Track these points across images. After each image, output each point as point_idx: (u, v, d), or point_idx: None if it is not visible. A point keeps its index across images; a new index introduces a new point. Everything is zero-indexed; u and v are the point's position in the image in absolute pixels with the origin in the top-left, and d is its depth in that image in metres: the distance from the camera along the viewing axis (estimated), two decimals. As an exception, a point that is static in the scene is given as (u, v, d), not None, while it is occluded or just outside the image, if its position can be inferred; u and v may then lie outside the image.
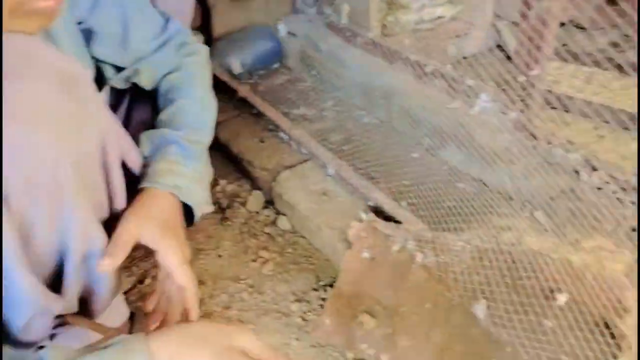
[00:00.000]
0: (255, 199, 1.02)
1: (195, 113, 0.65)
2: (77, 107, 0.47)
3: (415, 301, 0.70)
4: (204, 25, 1.24)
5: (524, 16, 0.80)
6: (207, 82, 0.70)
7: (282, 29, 1.22)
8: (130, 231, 0.53)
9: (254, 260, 0.92)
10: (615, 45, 1.11)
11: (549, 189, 0.83)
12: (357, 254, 0.78)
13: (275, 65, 1.37)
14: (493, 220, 0.83)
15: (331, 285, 0.82)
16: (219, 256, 0.94)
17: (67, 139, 0.46)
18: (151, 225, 0.54)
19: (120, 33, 0.63)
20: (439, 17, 1.24)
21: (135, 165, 0.59)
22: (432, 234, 0.75)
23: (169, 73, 0.67)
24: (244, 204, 1.03)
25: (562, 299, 0.61)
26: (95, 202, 0.52)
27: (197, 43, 0.72)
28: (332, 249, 0.86)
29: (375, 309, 0.72)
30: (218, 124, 0.91)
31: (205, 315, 0.81)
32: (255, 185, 1.05)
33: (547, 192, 0.83)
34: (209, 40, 1.27)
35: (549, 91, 1.04)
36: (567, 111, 1.03)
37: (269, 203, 1.02)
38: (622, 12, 0.78)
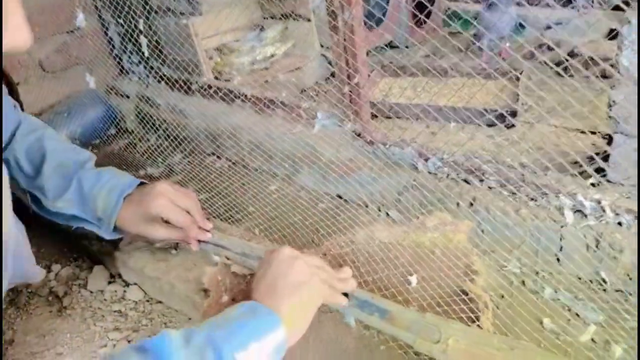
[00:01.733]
0: (97, 276, 0.87)
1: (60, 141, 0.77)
2: None
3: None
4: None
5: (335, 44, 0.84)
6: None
7: (90, 81, 1.14)
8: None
9: (104, 346, 0.76)
10: (427, 56, 1.23)
11: (395, 186, 0.84)
12: (217, 300, 0.69)
13: (112, 132, 1.26)
14: (356, 230, 0.81)
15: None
16: (59, 354, 0.77)
17: None
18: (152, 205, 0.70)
19: None
20: (272, 56, 1.27)
21: None
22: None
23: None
24: (84, 285, 0.87)
25: (413, 281, 0.59)
26: None
27: None
28: (191, 304, 0.75)
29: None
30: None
31: None
32: (95, 260, 0.91)
33: (395, 190, 0.84)
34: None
35: (378, 103, 1.10)
36: (399, 117, 1.10)
37: (114, 277, 0.88)
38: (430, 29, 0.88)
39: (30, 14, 0.40)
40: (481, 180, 0.77)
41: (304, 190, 0.99)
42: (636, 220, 0.64)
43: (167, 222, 0.73)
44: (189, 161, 1.15)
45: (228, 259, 0.74)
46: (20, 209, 0.74)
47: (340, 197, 0.95)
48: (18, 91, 1.10)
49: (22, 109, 1.14)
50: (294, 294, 0.53)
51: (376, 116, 1.10)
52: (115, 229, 0.74)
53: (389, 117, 1.10)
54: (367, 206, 0.88)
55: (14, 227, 0.65)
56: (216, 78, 1.20)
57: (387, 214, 0.86)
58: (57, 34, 1.20)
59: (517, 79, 1.13)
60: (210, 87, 1.13)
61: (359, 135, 0.90)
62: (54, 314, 0.83)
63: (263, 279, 0.55)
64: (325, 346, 0.61)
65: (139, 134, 1.23)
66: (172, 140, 1.18)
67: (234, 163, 1.11)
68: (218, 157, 1.14)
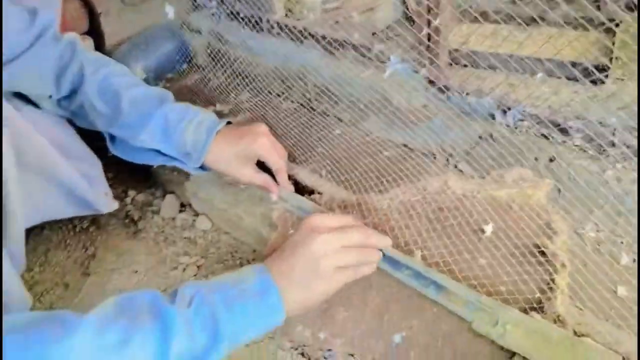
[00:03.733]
0: (169, 204, 0.93)
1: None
2: None
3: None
4: (93, 31, 1.15)
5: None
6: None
7: (170, 12, 1.14)
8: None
9: (175, 268, 0.82)
10: (513, 2, 1.13)
11: (468, 138, 0.81)
12: (284, 234, 0.71)
13: (184, 67, 1.29)
14: (426, 178, 0.79)
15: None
16: (135, 272, 0.84)
17: None
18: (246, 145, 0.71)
19: None
20: (344, -5, 1.22)
21: None
22: (356, 197, 0.70)
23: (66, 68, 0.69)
24: (157, 212, 0.93)
25: (488, 229, 0.58)
26: None
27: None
28: (257, 237, 0.78)
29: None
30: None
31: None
32: (167, 189, 0.96)
33: (467, 142, 0.81)
34: (100, 48, 1.16)
35: (456, 50, 1.04)
36: (476, 67, 1.03)
37: (185, 206, 0.93)
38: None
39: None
40: (564, 137, 0.72)
41: (369, 136, 0.97)
42: None
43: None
44: (256, 101, 1.16)
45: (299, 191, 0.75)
46: (99, 147, 0.78)
47: (405, 145, 0.93)
48: (100, 21, 1.14)
49: (103, 40, 1.19)
50: (307, 290, 0.52)
51: (452, 64, 1.04)
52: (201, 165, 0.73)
53: (465, 66, 1.04)
54: (434, 157, 0.86)
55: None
56: (287, 16, 1.18)
57: (456, 166, 0.83)
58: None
59: (612, 31, 1.02)
60: (280, 25, 1.11)
61: (433, 82, 0.86)
62: (130, 236, 0.90)
63: (287, 255, 0.54)
64: (386, 292, 0.61)
65: (209, 70, 1.24)
66: (241, 78, 1.19)
67: (300, 105, 1.11)
68: (285, 98, 1.14)
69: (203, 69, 1.26)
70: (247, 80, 1.18)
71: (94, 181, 0.73)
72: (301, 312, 0.53)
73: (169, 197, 0.94)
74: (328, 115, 1.05)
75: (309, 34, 1.06)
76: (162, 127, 0.71)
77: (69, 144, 0.72)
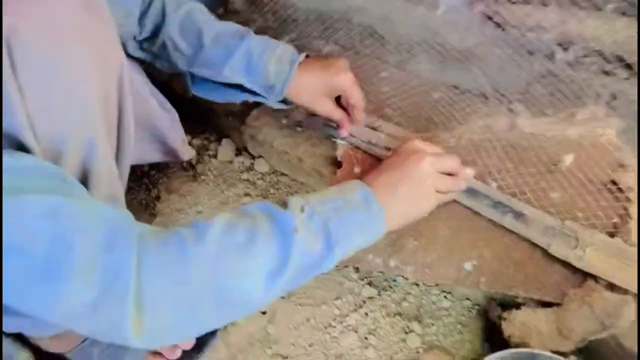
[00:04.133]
0: (226, 148, 0.95)
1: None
2: (101, 29, 0.48)
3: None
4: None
5: None
6: None
7: None
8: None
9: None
10: None
11: (525, 76, 0.80)
12: (349, 171, 0.73)
13: (220, 11, 1.27)
14: (475, 120, 0.80)
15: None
16: (200, 212, 0.88)
17: (95, 59, 0.47)
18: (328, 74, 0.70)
19: None
20: None
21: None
22: (421, 135, 0.71)
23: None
24: (214, 155, 0.96)
25: (568, 159, 0.60)
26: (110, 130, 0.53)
27: None
28: (318, 178, 0.81)
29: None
30: (171, 76, 0.83)
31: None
32: (223, 134, 0.98)
33: (524, 80, 0.81)
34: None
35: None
36: (528, 3, 1.00)
37: (240, 150, 0.96)
38: None
39: None
40: (628, 73, 0.71)
41: (418, 78, 0.97)
42: None
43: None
44: (296, 44, 1.14)
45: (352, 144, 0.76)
46: (170, 96, 0.78)
47: (456, 87, 0.92)
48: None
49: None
50: (409, 207, 0.55)
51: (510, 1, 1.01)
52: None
53: (525, 2, 1.01)
54: (487, 98, 0.86)
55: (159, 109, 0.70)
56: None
57: (510, 108, 0.84)
58: None
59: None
60: (322, -37, 1.08)
61: (490, 18, 0.84)
62: (190, 179, 0.94)
63: (389, 172, 0.56)
64: (457, 222, 0.65)
65: (246, 13, 1.22)
66: (280, 22, 1.17)
67: (342, 47, 1.10)
68: (326, 41, 1.12)
69: (240, 13, 1.24)
70: (285, 23, 1.16)
71: (174, 128, 0.75)
72: (398, 227, 0.55)
73: (224, 141, 0.96)
74: (373, 58, 1.04)
75: (354, -29, 1.02)
76: (245, 60, 0.70)
77: (153, 91, 0.73)
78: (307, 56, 0.73)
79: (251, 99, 0.74)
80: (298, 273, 0.47)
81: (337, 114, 0.73)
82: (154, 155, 0.74)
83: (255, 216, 0.48)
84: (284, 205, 0.49)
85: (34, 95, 0.42)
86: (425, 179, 0.55)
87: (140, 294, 0.40)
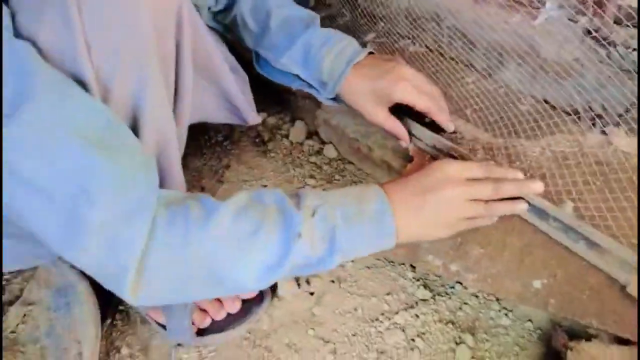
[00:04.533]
0: (298, 130, 0.97)
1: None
2: None
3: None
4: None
5: None
6: None
7: None
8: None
9: (301, 188, 0.87)
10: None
11: (624, 99, 0.75)
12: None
13: (311, 3, 1.29)
14: (564, 134, 0.75)
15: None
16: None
17: None
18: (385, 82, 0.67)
19: None
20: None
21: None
22: (503, 140, 0.68)
23: None
24: (286, 135, 0.98)
25: None
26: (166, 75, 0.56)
27: None
28: (386, 170, 0.80)
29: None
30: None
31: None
32: (297, 115, 1.00)
33: (624, 102, 0.75)
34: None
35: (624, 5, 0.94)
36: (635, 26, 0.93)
37: (311, 134, 0.97)
38: None
39: None
40: None
41: (505, 87, 0.94)
42: None
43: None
44: (382, 42, 1.15)
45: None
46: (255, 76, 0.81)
47: (546, 101, 0.88)
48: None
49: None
50: (426, 230, 0.54)
51: (618, 21, 0.95)
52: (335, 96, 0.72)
53: (633, 26, 0.95)
54: (578, 117, 0.81)
55: (230, 74, 0.71)
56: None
57: (604, 132, 0.78)
58: None
59: None
60: (420, -37, 1.07)
61: (593, 32, 0.79)
62: (260, 154, 0.96)
63: (416, 191, 0.53)
64: (530, 236, 0.61)
65: (336, 7, 1.24)
66: (369, 18, 1.17)
67: (428, 49, 1.08)
68: (412, 41, 1.11)
69: (330, 6, 1.26)
70: (374, 19, 1.17)
71: (243, 90, 0.76)
72: (409, 243, 0.56)
73: (298, 123, 0.98)
74: (459, 62, 1.02)
75: (453, -27, 1.01)
76: (304, 52, 0.69)
77: (225, 54, 0.75)
78: (371, 53, 0.71)
79: (306, 89, 0.74)
80: (294, 270, 0.50)
81: (388, 124, 0.69)
82: (218, 115, 0.76)
83: (267, 207, 0.49)
84: (297, 199, 0.51)
85: (91, 16, 0.44)
86: (448, 212, 0.53)
87: (143, 263, 0.44)
